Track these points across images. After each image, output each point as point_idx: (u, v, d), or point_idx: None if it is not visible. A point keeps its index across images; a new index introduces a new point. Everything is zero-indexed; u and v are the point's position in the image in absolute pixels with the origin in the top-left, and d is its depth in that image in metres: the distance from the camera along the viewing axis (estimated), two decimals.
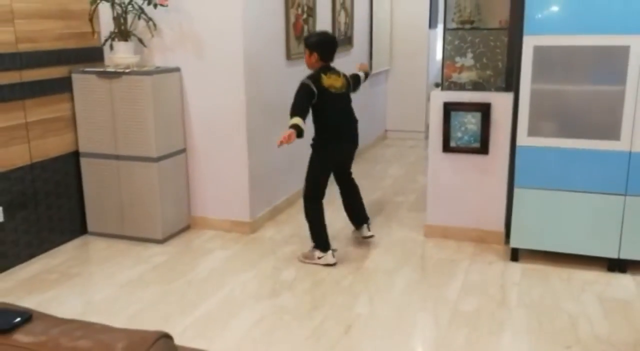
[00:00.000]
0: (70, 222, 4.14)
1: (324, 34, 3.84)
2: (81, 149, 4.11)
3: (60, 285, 3.47)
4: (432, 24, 7.30)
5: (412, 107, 7.38)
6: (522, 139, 3.56)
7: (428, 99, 7.38)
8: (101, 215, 4.18)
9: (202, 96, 4.13)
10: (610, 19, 3.26)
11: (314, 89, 3.53)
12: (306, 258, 3.77)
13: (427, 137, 7.40)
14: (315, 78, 3.58)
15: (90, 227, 4.24)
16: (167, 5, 3.92)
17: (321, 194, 3.75)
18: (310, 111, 3.59)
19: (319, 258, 3.72)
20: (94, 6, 3.90)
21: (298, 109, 3.49)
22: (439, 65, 8.09)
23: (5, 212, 3.61)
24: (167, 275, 3.59)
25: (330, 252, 3.72)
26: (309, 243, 3.79)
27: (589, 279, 3.47)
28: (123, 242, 4.10)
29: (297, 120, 3.42)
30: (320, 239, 3.74)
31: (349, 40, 5.93)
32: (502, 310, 3.13)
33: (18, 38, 3.60)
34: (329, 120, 3.66)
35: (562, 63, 3.44)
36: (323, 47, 3.66)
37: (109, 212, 4.15)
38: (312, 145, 3.75)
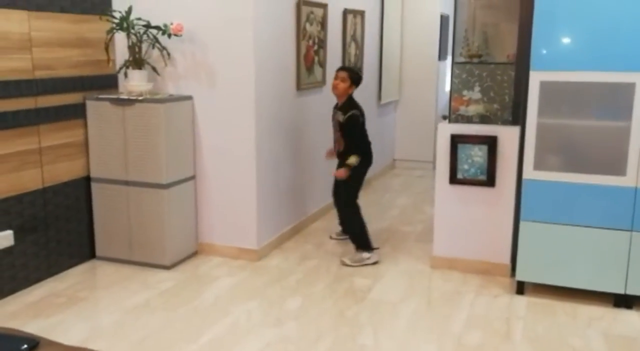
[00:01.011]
0: (78, 246, 4.18)
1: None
2: (92, 174, 4.17)
3: (67, 309, 3.50)
4: (441, 55, 7.38)
5: (420, 137, 7.43)
6: (528, 173, 3.58)
7: (436, 130, 7.44)
8: (109, 239, 4.22)
9: (213, 124, 4.20)
10: (616, 56, 3.30)
11: (362, 117, 4.18)
12: (355, 261, 4.17)
13: (435, 167, 7.44)
14: (356, 105, 4.18)
15: (99, 251, 4.28)
16: (181, 35, 4.01)
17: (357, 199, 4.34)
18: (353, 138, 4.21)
19: (367, 258, 4.18)
20: (110, 35, 4.00)
21: (360, 147, 4.16)
22: (448, 96, 8.20)
23: (15, 235, 3.66)
24: (174, 302, 3.61)
25: (375, 251, 4.25)
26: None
27: (595, 314, 3.45)
28: (130, 267, 4.13)
29: (355, 159, 4.08)
30: (366, 240, 4.24)
31: (358, 71, 6.00)
32: (507, 344, 3.12)
33: (35, 65, 3.69)
34: (367, 138, 4.28)
35: (568, 98, 3.48)
36: (360, 82, 4.30)
37: (117, 237, 4.19)
38: (349, 168, 4.18)
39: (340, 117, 4.15)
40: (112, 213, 4.17)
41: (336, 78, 4.18)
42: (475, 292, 3.77)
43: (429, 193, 6.27)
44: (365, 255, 4.20)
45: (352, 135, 4.15)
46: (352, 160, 4.07)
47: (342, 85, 4.14)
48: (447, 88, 8.23)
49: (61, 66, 3.89)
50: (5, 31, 3.49)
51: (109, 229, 4.21)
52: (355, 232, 4.30)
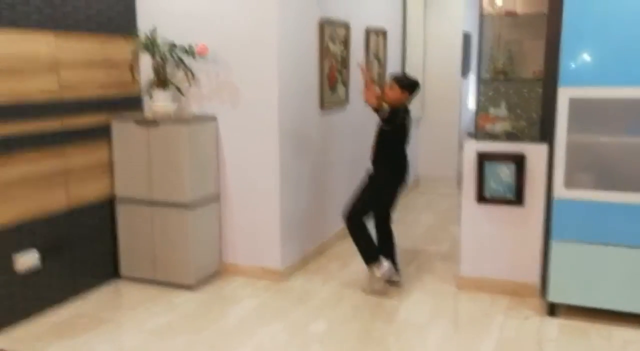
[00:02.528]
0: (103, 266, 4.18)
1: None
2: (117, 194, 4.18)
3: (91, 330, 3.48)
4: (464, 72, 7.34)
5: (444, 154, 7.36)
6: (559, 191, 3.50)
7: (460, 147, 7.37)
8: (134, 259, 4.21)
9: (237, 144, 4.19)
10: None
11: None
12: (373, 288, 3.99)
13: (458, 185, 7.36)
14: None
15: (123, 271, 4.27)
16: (206, 56, 4.03)
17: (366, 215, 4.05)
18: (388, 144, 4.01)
19: (379, 272, 3.93)
20: (135, 56, 4.03)
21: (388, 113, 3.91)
22: (471, 113, 8.14)
23: (41, 255, 3.67)
24: (197, 323, 3.57)
25: (381, 261, 3.95)
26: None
27: (631, 338, 3.34)
28: (154, 287, 4.11)
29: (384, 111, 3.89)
30: (372, 251, 3.97)
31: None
32: None
33: (62, 86, 3.72)
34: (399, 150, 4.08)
35: (598, 114, 3.41)
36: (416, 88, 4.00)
37: (141, 257, 4.18)
38: (380, 175, 4.03)
39: (382, 124, 3.96)
40: (136, 233, 4.17)
41: (388, 87, 3.98)
42: (504, 314, 3.68)
43: (454, 211, 6.19)
44: (376, 270, 3.94)
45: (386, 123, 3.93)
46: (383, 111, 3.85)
47: (392, 93, 3.90)
48: (470, 105, 8.18)
49: (87, 87, 3.92)
50: (34, 52, 3.53)
51: (133, 249, 4.21)
52: (362, 248, 4.00)
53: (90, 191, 4.02)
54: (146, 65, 4.19)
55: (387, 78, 4.11)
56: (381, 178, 4.01)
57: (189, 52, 4.00)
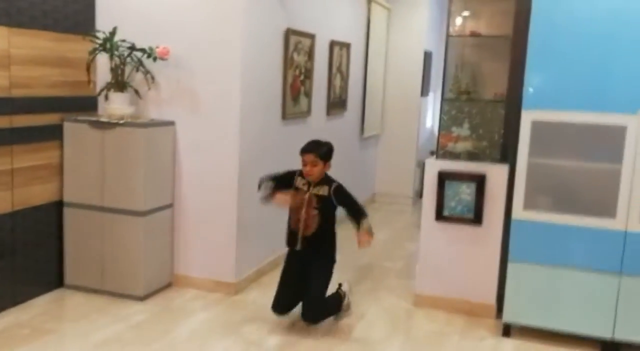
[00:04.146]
0: (46, 274, 3.97)
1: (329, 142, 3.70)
2: (66, 199, 3.99)
3: (32, 342, 3.28)
4: (423, 91, 7.39)
5: (401, 172, 7.38)
6: (518, 213, 3.52)
7: (417, 165, 7.41)
8: (80, 267, 4.02)
9: (195, 152, 4.07)
10: (609, 98, 3.29)
11: None
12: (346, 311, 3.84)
13: (414, 203, 7.39)
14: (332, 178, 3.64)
15: (68, 279, 4.06)
16: (167, 59, 3.91)
17: None
18: (331, 217, 3.61)
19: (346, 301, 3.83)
20: (92, 56, 3.88)
21: (362, 209, 3.61)
22: (429, 132, 8.22)
23: None
24: (146, 336, 3.42)
25: (344, 291, 3.84)
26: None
27: None
28: (101, 297, 3.93)
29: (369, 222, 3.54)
30: (338, 303, 3.76)
31: (343, 104, 5.97)
32: None
33: (12, 83, 3.54)
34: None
35: (559, 138, 3.45)
36: (332, 154, 3.65)
37: (88, 265, 3.99)
38: (330, 252, 3.67)
39: (322, 191, 3.52)
40: (84, 239, 3.98)
41: (305, 164, 3.52)
42: (460, 334, 3.66)
43: (409, 229, 6.20)
44: (345, 299, 3.83)
45: (350, 200, 3.57)
46: (368, 223, 3.52)
47: (317, 169, 3.50)
48: (429, 124, 8.25)
49: (40, 85, 3.74)
50: None
51: (80, 256, 4.01)
52: (334, 311, 3.74)
53: (37, 194, 3.82)
54: (104, 66, 4.03)
55: (301, 153, 3.56)
56: (331, 259, 3.68)
57: (150, 54, 3.87)
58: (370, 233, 3.51)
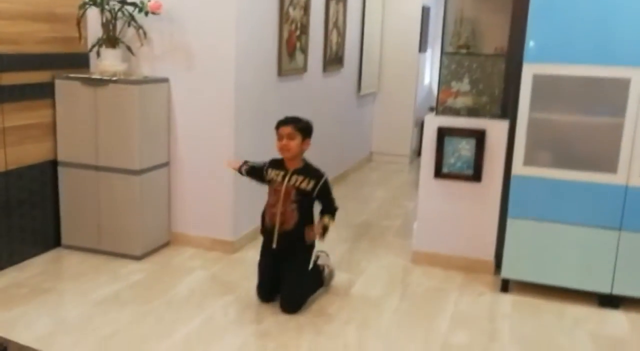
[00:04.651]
0: (43, 234, 3.94)
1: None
2: (60, 158, 3.93)
3: (30, 301, 3.27)
4: (421, 47, 7.27)
5: (398, 131, 7.32)
6: (518, 168, 3.48)
7: (415, 124, 7.35)
8: (77, 227, 3.99)
9: (190, 108, 3.99)
10: (612, 50, 3.22)
11: None
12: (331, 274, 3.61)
13: (411, 162, 7.36)
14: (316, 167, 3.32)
15: (65, 239, 4.04)
16: (159, 14, 3.79)
17: None
18: (309, 211, 3.29)
19: (327, 271, 3.57)
20: (82, 11, 3.76)
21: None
22: (427, 90, 8.12)
23: None
24: (145, 295, 3.41)
25: (322, 264, 3.56)
26: None
27: (582, 315, 3.38)
28: (98, 257, 3.91)
29: (333, 221, 3.28)
30: (318, 279, 3.50)
31: (339, 60, 5.86)
32: (494, 344, 3.02)
33: (0, 39, 3.44)
34: None
35: (561, 92, 3.39)
36: (312, 131, 3.29)
37: (85, 225, 3.96)
38: (308, 250, 3.38)
39: (306, 184, 3.19)
40: (80, 199, 3.94)
41: (280, 138, 3.18)
42: (458, 290, 3.66)
43: (407, 187, 6.19)
44: (327, 268, 3.57)
45: (329, 197, 3.30)
46: (331, 221, 3.26)
47: (294, 144, 3.17)
48: (427, 81, 8.15)
49: (29, 41, 3.63)
50: None
51: (76, 216, 3.98)
52: (315, 288, 3.48)
53: (30, 153, 3.76)
54: (94, 21, 3.92)
55: (276, 126, 3.25)
56: (309, 253, 3.40)
57: (141, 8, 3.76)
58: (324, 231, 3.23)
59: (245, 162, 3.49)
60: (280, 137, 3.20)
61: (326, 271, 3.57)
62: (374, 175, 6.80)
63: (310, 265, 3.44)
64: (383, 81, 7.27)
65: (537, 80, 3.37)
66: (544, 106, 3.42)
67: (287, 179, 3.21)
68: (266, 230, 3.32)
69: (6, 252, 3.66)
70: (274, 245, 3.25)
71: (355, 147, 6.79)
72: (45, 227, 3.95)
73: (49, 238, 3.99)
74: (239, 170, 3.50)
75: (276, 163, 3.30)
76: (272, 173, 3.27)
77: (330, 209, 3.31)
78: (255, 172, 3.42)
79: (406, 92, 7.22)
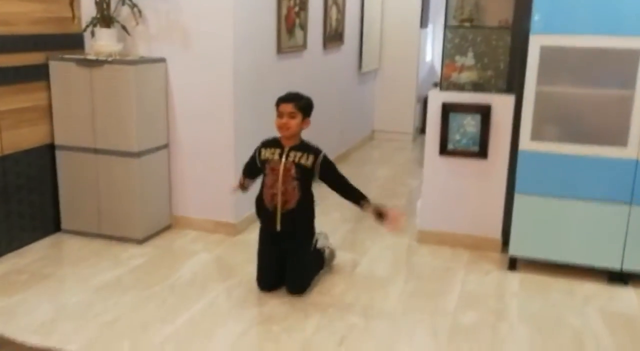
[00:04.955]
0: (42, 219, 3.88)
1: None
2: (57, 142, 3.86)
3: (30, 287, 3.22)
4: (423, 22, 7.14)
5: (400, 108, 7.21)
6: (525, 143, 3.40)
7: (417, 100, 7.25)
8: (76, 212, 3.93)
9: (188, 89, 3.91)
10: (622, 20, 3.11)
11: None
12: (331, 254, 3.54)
13: (414, 139, 7.27)
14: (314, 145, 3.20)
15: (64, 224, 3.98)
16: None
17: None
18: (310, 188, 3.17)
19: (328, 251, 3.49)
20: None
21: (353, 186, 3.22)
22: (429, 66, 7.99)
23: None
24: (147, 279, 3.36)
25: (322, 246, 3.47)
26: None
27: (590, 292, 3.33)
28: (99, 241, 3.86)
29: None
30: (320, 261, 3.42)
31: (339, 37, 5.74)
32: (503, 324, 2.97)
33: None
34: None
35: (569, 64, 3.30)
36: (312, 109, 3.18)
37: (85, 209, 3.90)
38: (311, 230, 3.30)
39: (305, 159, 3.07)
40: (79, 183, 3.88)
41: (281, 116, 3.07)
42: (465, 268, 3.61)
43: (410, 165, 6.11)
44: (327, 250, 3.50)
45: (338, 176, 3.19)
46: (377, 203, 3.17)
47: (295, 123, 3.06)
48: (428, 58, 8.02)
49: (21, 22, 3.54)
50: None
51: (75, 200, 3.92)
52: (318, 269, 3.42)
53: (26, 137, 3.68)
54: (88, 0, 3.81)
55: (276, 103, 3.13)
56: (311, 234, 3.31)
57: None
58: (382, 214, 3.11)
59: (242, 174, 3.37)
60: (280, 114, 3.08)
61: (326, 252, 3.51)
62: (376, 153, 6.72)
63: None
64: (384, 58, 7.15)
65: (545, 52, 3.27)
66: (552, 79, 3.33)
67: (284, 156, 3.10)
68: (267, 213, 3.15)
69: (5, 238, 3.60)
70: (278, 227, 3.12)
71: (357, 125, 6.70)
72: (45, 212, 3.89)
73: (48, 223, 3.93)
74: (242, 185, 3.36)
75: (270, 143, 3.18)
76: (266, 153, 3.14)
77: (353, 192, 3.17)
78: (250, 167, 3.28)
79: (408, 69, 7.11)
